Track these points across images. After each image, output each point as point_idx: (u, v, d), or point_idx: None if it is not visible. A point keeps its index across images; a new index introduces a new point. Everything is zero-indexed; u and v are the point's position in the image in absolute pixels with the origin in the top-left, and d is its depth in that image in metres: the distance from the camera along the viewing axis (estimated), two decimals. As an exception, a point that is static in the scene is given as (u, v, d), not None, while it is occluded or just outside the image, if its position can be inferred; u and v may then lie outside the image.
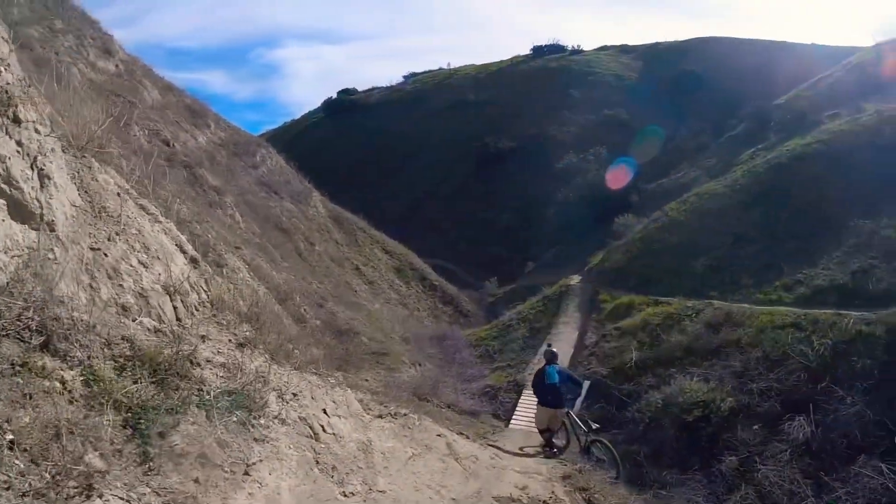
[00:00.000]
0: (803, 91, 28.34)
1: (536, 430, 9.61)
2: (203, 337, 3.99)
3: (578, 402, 12.57)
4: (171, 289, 4.05)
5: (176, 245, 5.13)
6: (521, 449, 9.56)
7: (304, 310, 14.40)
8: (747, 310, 13.20)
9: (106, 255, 3.97)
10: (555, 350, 10.22)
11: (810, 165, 18.57)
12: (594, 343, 15.09)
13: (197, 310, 4.31)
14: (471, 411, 12.58)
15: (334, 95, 66.45)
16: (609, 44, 60.78)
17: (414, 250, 27.90)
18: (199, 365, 3.60)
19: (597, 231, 27.41)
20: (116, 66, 19.90)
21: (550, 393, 8.99)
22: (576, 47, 60.45)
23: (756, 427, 10.07)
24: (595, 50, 59.78)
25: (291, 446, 3.76)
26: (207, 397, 3.35)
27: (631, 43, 59.69)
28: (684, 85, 45.21)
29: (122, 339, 3.32)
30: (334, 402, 4.92)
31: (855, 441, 9.20)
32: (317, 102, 79.33)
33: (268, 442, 3.55)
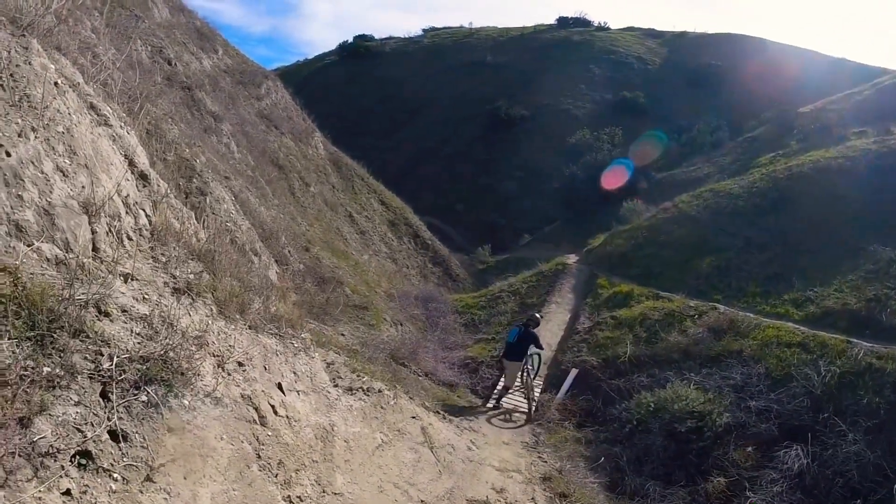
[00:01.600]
0: (831, 104, 27.16)
1: (516, 413, 10.52)
2: (126, 276, 2.98)
3: (563, 389, 11.83)
4: (94, 208, 3.02)
5: (123, 155, 4.06)
6: (504, 442, 8.83)
7: (289, 251, 13.42)
8: (753, 320, 12.35)
9: (8, 154, 2.94)
10: (538, 317, 11.35)
11: (832, 179, 17.58)
12: (587, 329, 14.22)
13: (129, 238, 3.30)
14: (449, 382, 11.83)
15: (350, 40, 64.01)
16: (636, 26, 58.72)
17: (410, 206, 26.81)
18: (107, 315, 2.62)
19: (600, 213, 26.45)
20: (128, -23, 18.27)
21: (507, 349, 10.34)
22: (602, 24, 58.34)
23: (749, 449, 9.34)
24: (621, 30, 57.66)
25: (224, 436, 2.82)
26: (108, 365, 2.38)
27: (658, 28, 57.68)
28: (706, 78, 43.79)
29: (2, 270, 2.33)
30: (295, 373, 3.98)
31: (851, 482, 8.47)
32: (331, 45, 76.84)
33: (189, 431, 2.60)
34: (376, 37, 64.89)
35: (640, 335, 12.99)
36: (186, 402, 2.70)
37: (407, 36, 64.78)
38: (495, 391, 11.15)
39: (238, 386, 3.11)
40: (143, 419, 2.43)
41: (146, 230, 3.50)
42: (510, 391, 10.84)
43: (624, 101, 42.52)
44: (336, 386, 5.19)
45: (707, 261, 16.02)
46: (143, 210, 3.61)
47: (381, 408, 5.50)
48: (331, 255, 15.65)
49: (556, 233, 29.23)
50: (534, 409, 10.48)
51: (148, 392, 2.51)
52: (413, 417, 6.28)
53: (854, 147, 18.83)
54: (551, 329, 14.48)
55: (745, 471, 9.02)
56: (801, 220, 16.42)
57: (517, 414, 10.57)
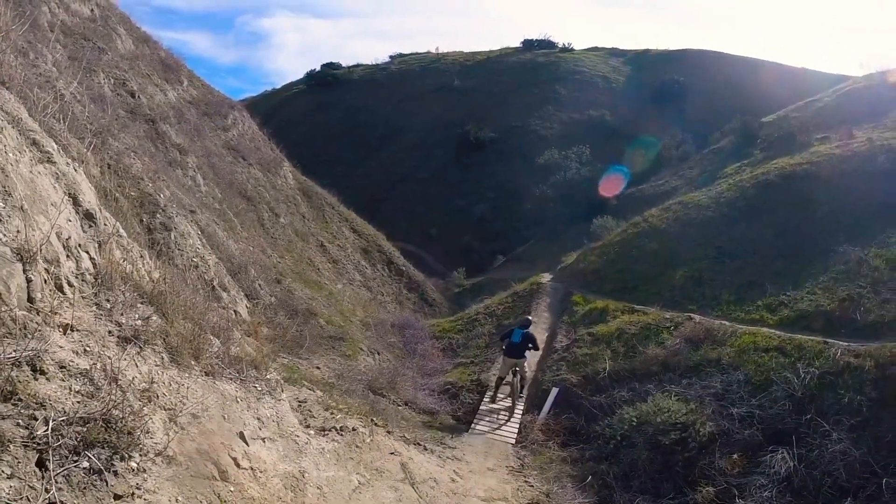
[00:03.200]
0: (792, 112, 27.93)
1: (500, 438, 10.60)
2: (66, 327, 2.73)
3: (545, 409, 11.65)
4: (29, 253, 2.78)
5: (67, 194, 3.82)
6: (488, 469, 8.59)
7: (259, 284, 13.07)
8: (728, 327, 12.37)
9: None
10: (532, 319, 12.56)
11: (799, 185, 17.94)
12: (565, 347, 14.08)
13: (70, 285, 3.05)
14: (429, 410, 11.53)
15: (317, 68, 64.21)
16: (600, 45, 60.20)
17: (383, 233, 26.60)
18: (43, 373, 2.37)
19: (571, 231, 26.60)
20: (92, 10, 17.99)
21: (510, 348, 11.38)
22: (566, 45, 59.61)
23: (735, 456, 9.24)
24: (585, 50, 59.06)
25: (180, 498, 2.57)
26: (44, 430, 2.14)
27: (621, 47, 59.23)
28: (670, 93, 44.89)
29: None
30: (259, 419, 3.73)
31: (839, 480, 8.43)
32: (299, 74, 76.88)
33: (139, 497, 2.36)
34: (344, 64, 65.26)
35: (619, 350, 12.90)
36: (134, 465, 2.45)
37: (375, 63, 65.26)
38: (490, 387, 12.33)
39: (193, 440, 2.86)
40: (85, 489, 2.18)
41: (89, 274, 3.25)
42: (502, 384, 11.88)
43: (590, 119, 43.27)
44: (308, 427, 4.93)
45: (680, 272, 16.12)
46: (87, 252, 3.37)
47: (357, 447, 5.25)
48: (303, 286, 15.33)
49: (529, 252, 29.30)
50: (519, 402, 11.72)
51: (90, 457, 2.26)
52: (392, 453, 6.02)
53: (818, 152, 19.25)
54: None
55: (732, 478, 8.93)
56: (771, 226, 16.67)
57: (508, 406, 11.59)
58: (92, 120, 11.30)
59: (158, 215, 10.63)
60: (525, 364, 11.81)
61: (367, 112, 50.82)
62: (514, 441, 10.47)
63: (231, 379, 3.71)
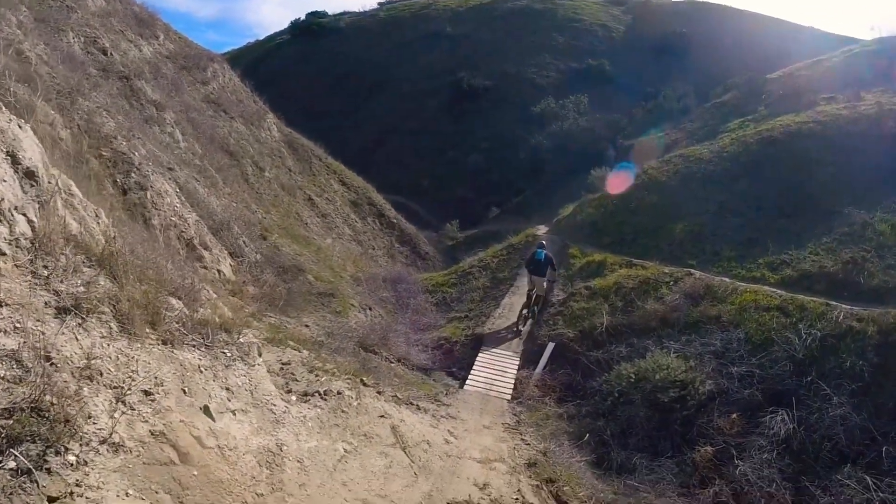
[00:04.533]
0: (799, 70, 26.96)
1: (495, 393, 10.49)
2: (-11, 298, 2.35)
3: (541, 364, 11.48)
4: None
5: (5, 153, 3.34)
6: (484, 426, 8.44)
7: (244, 241, 12.64)
8: (729, 284, 12.08)
9: None
10: (544, 242, 13.81)
11: (804, 144, 17.32)
12: (561, 301, 13.76)
13: (2, 253, 2.64)
14: (423, 367, 11.27)
15: (302, 17, 61.61)
16: (600, -8, 57.82)
17: (375, 186, 25.94)
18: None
19: (568, 182, 26.06)
20: (59, -32, 16.79)
21: (534, 265, 12.60)
22: (565, -10, 57.29)
23: (734, 416, 9.12)
24: (584, -3, 56.83)
25: (131, 490, 2.24)
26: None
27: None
28: (672, 45, 43.44)
29: None
30: (228, 388, 3.38)
31: (839, 445, 8.33)
32: (284, 24, 73.93)
33: (80, 496, 2.02)
34: (330, 12, 62.62)
35: (616, 304, 12.61)
36: (73, 458, 2.10)
37: (362, 10, 62.66)
38: (522, 309, 13.20)
39: (146, 422, 2.51)
40: (11, 494, 1.83)
41: (25, 239, 2.83)
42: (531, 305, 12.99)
43: (589, 69, 41.96)
44: (289, 392, 4.62)
45: (680, 226, 15.75)
46: (25, 215, 2.93)
47: (343, 412, 4.96)
48: (291, 242, 14.90)
49: (525, 204, 28.79)
50: (534, 318, 13.01)
51: (16, 456, 1.91)
52: (381, 416, 5.77)
53: (824, 112, 18.60)
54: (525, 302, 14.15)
55: (731, 438, 8.82)
56: (774, 184, 16.17)
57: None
58: (61, 80, 10.65)
59: (133, 174, 10.15)
60: (545, 284, 12.83)
61: (355, 62, 49.00)
62: (509, 397, 10.29)
63: (194, 346, 3.34)
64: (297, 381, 5.21)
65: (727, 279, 12.45)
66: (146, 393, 2.62)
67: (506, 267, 17.14)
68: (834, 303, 10.51)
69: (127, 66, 16.30)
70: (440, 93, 42.34)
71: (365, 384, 6.78)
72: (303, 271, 12.90)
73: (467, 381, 10.73)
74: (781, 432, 8.52)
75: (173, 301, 3.48)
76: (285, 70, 50.07)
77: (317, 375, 5.58)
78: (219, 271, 9.70)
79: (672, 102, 32.20)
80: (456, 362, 12.04)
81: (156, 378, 2.73)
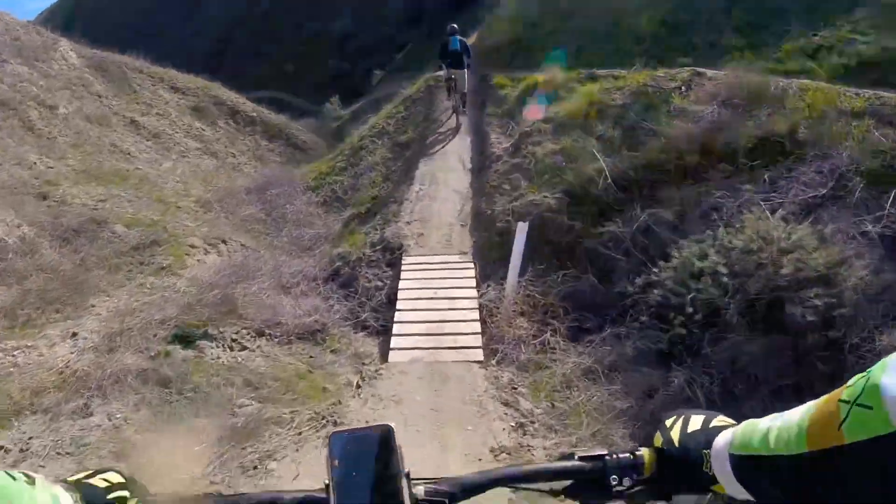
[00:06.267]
0: None
1: (451, 356, 5.46)
2: None
3: (513, 268, 6.56)
4: None
5: None
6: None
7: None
8: (778, 82, 7.50)
9: None
10: (455, 27, 11.51)
11: None
12: (511, 150, 9.07)
13: None
14: (309, 329, 6.13)
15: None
16: None
17: (234, 86, 20.68)
18: None
19: (459, 17, 21.43)
20: None
21: (451, 57, 11.05)
22: None
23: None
24: None
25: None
26: None
27: None
28: None
29: None
30: None
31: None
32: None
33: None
34: None
35: (612, 138, 8.00)
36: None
37: None
38: (451, 104, 11.72)
39: None
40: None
41: None
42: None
43: None
44: None
45: (644, 19, 11.68)
46: None
47: None
48: (93, 187, 10.44)
49: (411, 58, 24.23)
50: (463, 105, 11.50)
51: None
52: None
53: None
54: (451, 165, 10.16)
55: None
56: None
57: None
58: None
59: None
60: (466, 75, 11.27)
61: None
62: (481, 357, 5.48)
63: None
64: None
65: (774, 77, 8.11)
66: None
67: (408, 126, 12.64)
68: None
69: None
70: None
71: None
72: (105, 223, 8.58)
73: (392, 342, 5.78)
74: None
75: None
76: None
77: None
78: None
79: None
80: (367, 301, 6.85)
81: None
